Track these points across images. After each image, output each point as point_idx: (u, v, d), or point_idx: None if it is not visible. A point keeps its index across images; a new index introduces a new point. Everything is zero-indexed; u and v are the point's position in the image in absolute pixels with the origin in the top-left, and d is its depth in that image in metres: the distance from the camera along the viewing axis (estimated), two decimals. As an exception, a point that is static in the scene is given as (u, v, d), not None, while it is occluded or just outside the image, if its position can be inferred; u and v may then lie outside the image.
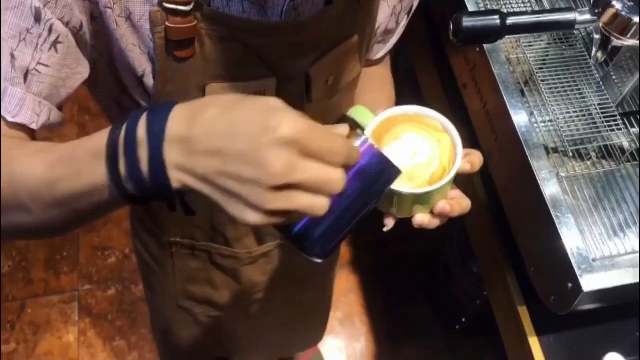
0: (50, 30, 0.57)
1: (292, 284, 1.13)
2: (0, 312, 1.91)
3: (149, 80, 0.67)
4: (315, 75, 0.73)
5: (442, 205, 0.64)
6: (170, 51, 0.63)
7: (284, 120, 0.43)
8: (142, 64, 0.65)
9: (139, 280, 1.92)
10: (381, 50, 0.88)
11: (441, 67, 1.23)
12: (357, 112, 0.66)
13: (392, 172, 0.54)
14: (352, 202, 0.52)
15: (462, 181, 1.18)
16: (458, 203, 0.66)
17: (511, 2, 1.05)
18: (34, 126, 0.59)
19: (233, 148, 0.43)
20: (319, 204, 0.45)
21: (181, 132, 0.45)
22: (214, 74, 0.67)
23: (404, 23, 0.85)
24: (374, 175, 0.53)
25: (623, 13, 0.72)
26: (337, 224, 0.52)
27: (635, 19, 0.71)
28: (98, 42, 0.64)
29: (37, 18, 0.56)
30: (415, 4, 0.84)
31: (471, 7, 1.05)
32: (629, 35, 0.73)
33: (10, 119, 0.57)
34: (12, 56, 0.56)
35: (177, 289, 1.06)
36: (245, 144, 0.43)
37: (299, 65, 0.70)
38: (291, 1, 0.64)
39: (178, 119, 0.46)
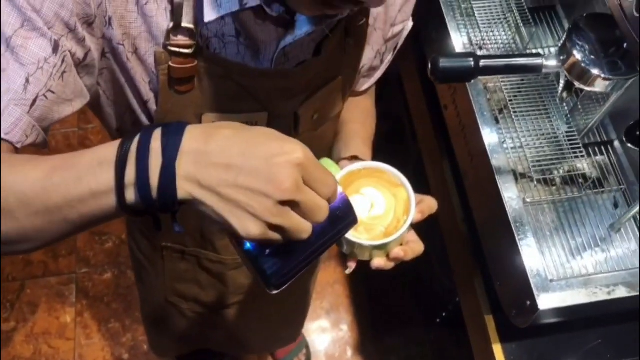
0: (63, 61, 0.63)
1: None
2: (0, 291, 1.98)
3: (152, 106, 0.74)
4: (303, 113, 0.79)
5: (397, 252, 0.71)
6: (172, 86, 0.70)
7: (297, 146, 0.50)
8: (147, 93, 0.72)
9: (134, 265, 2.00)
10: (366, 84, 0.94)
11: (426, 87, 1.30)
12: (324, 165, 0.73)
13: (353, 218, 0.60)
14: (316, 240, 0.57)
15: (440, 195, 1.26)
16: (411, 249, 0.73)
17: (493, 35, 1.12)
18: (19, 145, 0.60)
19: (247, 163, 0.48)
20: (305, 228, 0.51)
21: (197, 146, 0.49)
22: (210, 106, 0.73)
23: (388, 59, 0.91)
24: (340, 218, 0.58)
25: (583, 64, 0.79)
26: (300, 259, 0.57)
27: (594, 71, 0.79)
28: (104, 77, 0.71)
29: (55, 49, 0.61)
30: (400, 42, 0.90)
31: (452, 25, 1.13)
32: (588, 83, 0.80)
33: (2, 136, 0.58)
34: (27, 81, 0.59)
35: (167, 287, 1.14)
36: (260, 162, 0.48)
37: (289, 106, 0.76)
38: (282, 49, 0.71)
39: (194, 135, 0.50)
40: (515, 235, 0.93)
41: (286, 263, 0.56)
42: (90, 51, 0.65)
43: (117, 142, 0.51)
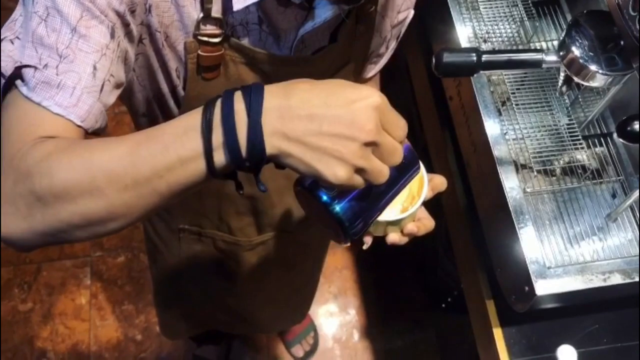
0: (118, 46, 0.64)
1: (285, 268, 1.25)
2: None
3: (180, 92, 0.78)
4: None
5: (411, 227, 0.75)
6: (199, 73, 0.75)
7: (373, 92, 0.52)
8: (176, 79, 0.77)
9: (147, 249, 2.06)
10: (372, 71, 0.97)
11: (432, 78, 1.33)
12: None
13: (417, 166, 0.63)
14: (388, 188, 0.60)
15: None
16: (423, 224, 0.77)
17: (497, 28, 1.15)
18: (90, 130, 0.63)
19: (330, 112, 0.51)
20: (384, 171, 0.54)
21: (279, 102, 0.52)
22: None
23: (393, 46, 0.94)
24: (406, 166, 0.61)
25: (581, 60, 0.82)
26: (374, 207, 0.61)
27: (592, 67, 0.82)
28: (138, 62, 0.74)
29: (112, 35, 0.63)
30: (403, 30, 0.93)
31: (457, 19, 1.16)
32: (586, 78, 0.83)
33: (78, 122, 0.61)
34: (95, 68, 0.62)
35: (181, 269, 1.19)
36: (341, 108, 0.51)
37: None
38: (301, 36, 0.75)
39: (273, 93, 0.52)
40: (515, 224, 0.97)
41: (362, 211, 0.60)
42: (133, 37, 0.68)
43: (199, 110, 0.54)
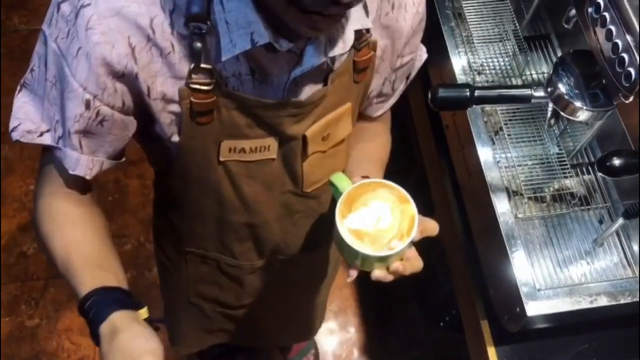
0: (97, 114, 0.75)
1: (289, 288, 1.30)
2: None
3: (176, 139, 0.83)
4: (312, 136, 0.85)
5: (397, 265, 0.76)
6: (193, 118, 0.79)
7: None
8: (171, 128, 0.82)
9: (152, 266, 2.09)
10: (379, 110, 0.99)
11: (430, 108, 1.39)
12: (337, 178, 0.81)
13: None
14: None
15: (441, 208, 1.34)
16: (410, 264, 0.78)
17: (491, 61, 1.21)
18: (88, 177, 0.81)
19: None
20: None
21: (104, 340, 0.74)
22: (228, 134, 0.82)
23: (401, 88, 0.96)
24: None
25: (566, 97, 0.88)
26: None
27: (577, 103, 0.88)
28: (137, 111, 0.81)
29: (87, 106, 0.74)
30: (414, 72, 0.95)
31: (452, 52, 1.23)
32: (572, 114, 0.89)
33: (70, 172, 0.79)
34: (69, 132, 0.77)
35: (189, 288, 1.24)
36: None
37: (297, 129, 0.83)
38: (293, 79, 0.78)
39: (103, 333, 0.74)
40: (507, 248, 1.03)
41: None
42: (129, 99, 0.77)
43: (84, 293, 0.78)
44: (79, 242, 0.83)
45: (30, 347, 2.00)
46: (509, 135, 1.11)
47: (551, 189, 1.11)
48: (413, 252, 0.80)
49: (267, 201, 0.95)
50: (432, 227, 0.79)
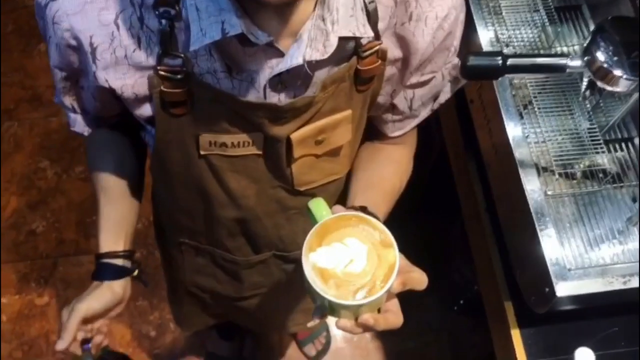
0: (74, 85, 0.82)
1: (292, 284, 1.24)
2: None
3: (153, 131, 0.80)
4: (299, 140, 0.78)
5: (366, 318, 0.64)
6: (166, 109, 0.73)
7: None
8: (146, 120, 0.79)
9: (162, 246, 2.07)
10: (397, 130, 0.90)
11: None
12: (315, 205, 0.70)
13: None
14: None
15: (463, 186, 1.30)
16: (385, 319, 0.66)
17: (519, 33, 1.16)
18: (85, 134, 0.90)
19: None
20: None
21: None
22: (205, 127, 0.76)
23: (425, 112, 0.88)
24: None
25: (605, 65, 0.83)
26: None
27: (617, 72, 0.83)
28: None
29: (65, 79, 0.80)
30: (444, 98, 0.87)
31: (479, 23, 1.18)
32: (610, 83, 0.85)
33: (72, 128, 0.90)
34: (60, 91, 0.83)
35: (187, 279, 1.19)
36: None
37: (280, 131, 0.76)
38: (277, 77, 0.70)
39: None
40: (536, 226, 0.98)
41: None
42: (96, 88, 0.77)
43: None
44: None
45: (40, 325, 1.99)
46: (539, 109, 1.06)
47: (582, 165, 1.06)
48: (394, 305, 0.69)
49: (256, 196, 0.89)
50: (419, 280, 0.69)
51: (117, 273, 0.95)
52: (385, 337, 2.04)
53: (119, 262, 0.95)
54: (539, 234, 0.98)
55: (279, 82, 0.73)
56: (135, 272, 0.97)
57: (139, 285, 1.00)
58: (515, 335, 1.10)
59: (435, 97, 0.88)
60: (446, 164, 1.43)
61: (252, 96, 0.73)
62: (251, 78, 0.72)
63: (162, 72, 0.70)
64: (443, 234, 1.97)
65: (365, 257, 0.64)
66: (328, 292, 0.63)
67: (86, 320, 0.91)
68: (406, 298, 0.71)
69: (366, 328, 0.65)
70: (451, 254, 1.91)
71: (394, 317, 0.68)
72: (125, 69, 0.72)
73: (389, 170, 0.92)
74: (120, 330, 1.99)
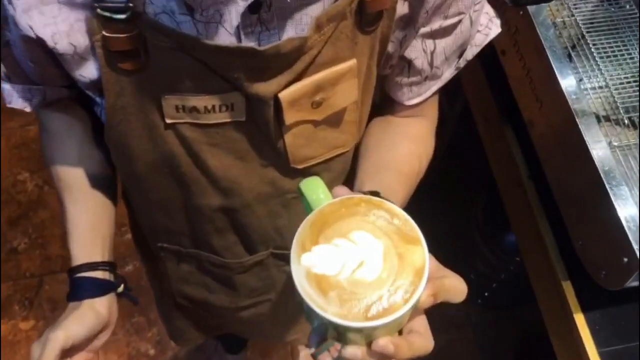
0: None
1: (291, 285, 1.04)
2: None
3: (100, 100, 0.63)
4: (290, 100, 0.61)
5: (384, 344, 0.47)
6: (113, 63, 0.58)
7: None
8: (92, 86, 0.62)
9: (156, 256, 1.90)
10: (414, 97, 0.73)
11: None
12: (308, 185, 0.52)
13: None
14: None
15: (497, 154, 1.13)
16: (409, 344, 0.48)
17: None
18: (27, 109, 0.71)
19: None
20: None
21: None
22: (169, 87, 0.60)
23: (450, 71, 0.71)
24: None
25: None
26: None
27: None
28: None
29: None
30: (472, 52, 0.70)
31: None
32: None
33: (8, 105, 0.70)
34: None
35: (174, 289, 1.00)
36: None
37: (263, 89, 0.60)
38: (253, 12, 0.55)
39: None
40: (605, 184, 0.81)
41: None
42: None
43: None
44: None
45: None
46: (593, 45, 0.89)
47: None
48: (421, 325, 0.50)
49: (242, 176, 0.71)
50: (455, 289, 0.51)
51: (98, 288, 0.76)
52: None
53: (98, 274, 0.76)
54: (610, 193, 0.81)
55: (258, 21, 0.55)
56: (121, 288, 0.78)
57: (129, 302, 0.82)
58: (579, 320, 0.93)
59: (461, 52, 0.69)
60: (469, 133, 1.25)
61: (222, 39, 0.56)
62: (220, 16, 0.55)
63: (101, 12, 0.53)
64: (463, 220, 1.82)
65: (381, 258, 0.46)
66: (328, 309, 0.44)
67: (65, 354, 0.67)
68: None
69: (383, 356, 0.47)
70: (475, 244, 1.75)
71: (421, 340, 0.49)
72: (55, 10, 0.55)
73: (406, 148, 0.74)
74: (116, 350, 1.82)
